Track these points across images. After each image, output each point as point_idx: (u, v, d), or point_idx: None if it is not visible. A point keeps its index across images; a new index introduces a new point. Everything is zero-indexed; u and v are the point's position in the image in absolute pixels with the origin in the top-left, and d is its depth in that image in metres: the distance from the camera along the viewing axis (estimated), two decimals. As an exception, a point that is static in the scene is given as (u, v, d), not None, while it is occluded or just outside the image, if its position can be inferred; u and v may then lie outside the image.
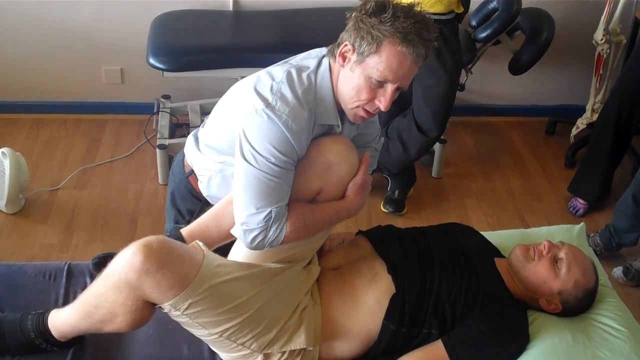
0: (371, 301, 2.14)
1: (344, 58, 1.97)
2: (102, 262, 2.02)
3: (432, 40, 1.93)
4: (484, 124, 4.63)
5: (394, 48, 1.89)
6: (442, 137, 3.87)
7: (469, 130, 4.53)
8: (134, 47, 4.03)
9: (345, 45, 1.95)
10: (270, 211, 1.95)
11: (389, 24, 1.87)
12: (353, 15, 1.94)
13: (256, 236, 1.97)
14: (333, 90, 2.02)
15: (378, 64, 1.91)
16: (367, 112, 2.02)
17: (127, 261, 1.82)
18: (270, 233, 1.97)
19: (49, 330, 2.08)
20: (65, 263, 2.47)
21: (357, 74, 1.95)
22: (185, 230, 2.18)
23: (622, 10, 3.91)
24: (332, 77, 2.02)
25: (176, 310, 1.88)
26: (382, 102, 1.98)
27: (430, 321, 2.12)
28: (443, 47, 3.12)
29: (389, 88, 1.95)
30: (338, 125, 2.08)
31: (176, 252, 1.86)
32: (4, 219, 3.49)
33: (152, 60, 3.56)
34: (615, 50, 4.02)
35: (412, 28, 1.88)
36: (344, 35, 1.97)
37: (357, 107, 2.01)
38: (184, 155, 2.40)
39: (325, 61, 2.04)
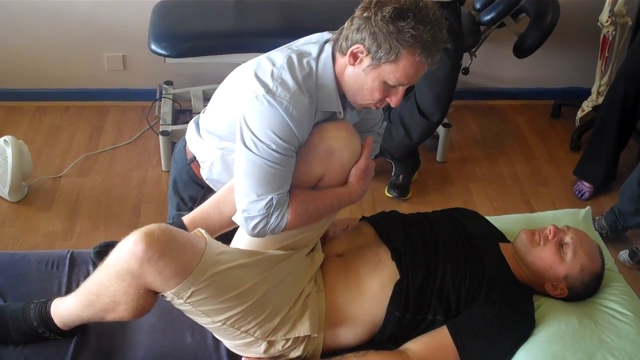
0: (375, 288, 2.13)
1: (356, 58, 1.93)
2: (103, 251, 2.02)
3: (445, 41, 1.92)
4: (489, 107, 4.60)
5: (412, 58, 1.87)
6: (446, 121, 3.87)
7: (473, 114, 4.51)
8: (135, 33, 4.02)
9: (358, 47, 1.90)
10: (272, 198, 1.93)
11: (408, 35, 1.84)
12: (365, 15, 1.88)
13: (257, 223, 1.96)
14: (335, 77, 2.00)
15: (395, 71, 1.90)
16: (376, 107, 2.04)
17: (128, 250, 1.81)
18: (272, 220, 1.96)
19: (52, 319, 2.08)
20: (68, 251, 2.47)
21: (370, 78, 1.93)
22: (187, 218, 2.18)
23: (628, -9, 3.89)
24: (336, 66, 2.00)
25: (179, 299, 1.87)
26: (394, 100, 1.99)
27: (435, 307, 2.11)
28: (448, 37, 3.10)
29: (401, 88, 1.96)
30: (340, 112, 2.06)
31: (178, 240, 1.85)
32: (7, 207, 3.49)
33: (153, 47, 3.54)
34: (621, 32, 3.98)
35: (430, 37, 1.85)
36: (354, 34, 1.91)
37: (369, 104, 2.02)
38: (185, 142, 2.39)
39: (328, 48, 2.02)
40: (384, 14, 1.85)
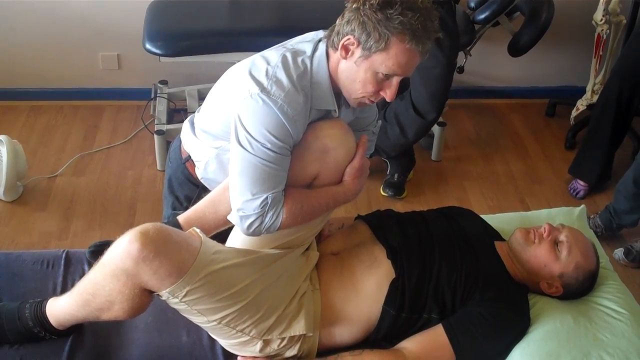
0: (371, 286, 2.13)
1: (347, 51, 1.93)
2: (98, 250, 2.02)
3: (436, 31, 1.92)
4: (484, 106, 4.61)
5: (402, 45, 1.87)
6: (441, 119, 3.87)
7: (468, 112, 4.51)
8: (130, 32, 4.02)
9: (349, 38, 1.91)
10: (267, 197, 1.93)
11: (397, 21, 1.84)
12: (354, 7, 1.89)
13: (252, 222, 1.96)
14: (330, 75, 2.00)
15: (386, 60, 1.90)
16: (371, 101, 2.03)
17: (124, 249, 1.80)
18: (267, 219, 1.96)
19: (47, 319, 2.08)
20: (63, 251, 2.46)
21: (363, 69, 1.93)
22: (182, 217, 2.18)
23: (622, -10, 3.90)
24: (330, 63, 2.00)
25: (174, 298, 1.87)
26: (388, 94, 1.98)
27: (430, 306, 2.11)
28: (440, 29, 3.10)
29: (395, 80, 1.95)
30: (335, 110, 2.06)
31: (173, 239, 1.85)
32: (2, 207, 3.49)
33: (148, 46, 3.54)
34: (615, 31, 4.00)
35: (420, 23, 1.85)
36: (344, 27, 1.92)
37: (363, 97, 2.01)
38: (180, 141, 2.39)
39: (322, 46, 2.02)
40: (371, 2, 1.85)
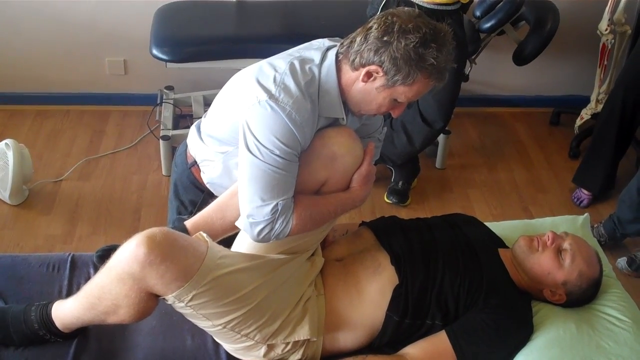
0: (374, 292, 2.14)
1: (369, 76, 1.95)
2: (106, 255, 2.03)
3: (453, 62, 1.96)
4: (488, 114, 4.61)
5: (426, 81, 1.93)
6: (446, 128, 3.87)
7: (472, 121, 4.52)
8: (137, 38, 4.03)
9: (375, 68, 1.92)
10: (277, 204, 1.94)
11: (429, 62, 1.88)
12: (385, 39, 1.89)
13: (262, 229, 1.97)
14: (340, 85, 2.01)
15: (407, 92, 1.95)
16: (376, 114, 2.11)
17: (130, 253, 1.82)
18: (277, 226, 1.97)
19: (53, 322, 2.09)
20: (69, 254, 2.47)
21: (382, 96, 1.98)
22: (189, 222, 2.19)
23: (627, 0, 3.89)
24: (341, 75, 2.01)
25: (180, 302, 1.88)
26: (396, 113, 2.05)
27: (433, 312, 2.12)
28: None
29: (406, 103, 2.02)
30: (343, 119, 2.07)
31: (180, 244, 1.86)
32: (7, 211, 3.50)
33: (155, 51, 3.55)
34: (620, 41, 4.00)
35: (446, 62, 1.91)
36: (370, 54, 1.91)
37: (372, 114, 2.08)
38: (186, 146, 2.40)
39: (331, 55, 2.03)
40: (407, 42, 1.87)
